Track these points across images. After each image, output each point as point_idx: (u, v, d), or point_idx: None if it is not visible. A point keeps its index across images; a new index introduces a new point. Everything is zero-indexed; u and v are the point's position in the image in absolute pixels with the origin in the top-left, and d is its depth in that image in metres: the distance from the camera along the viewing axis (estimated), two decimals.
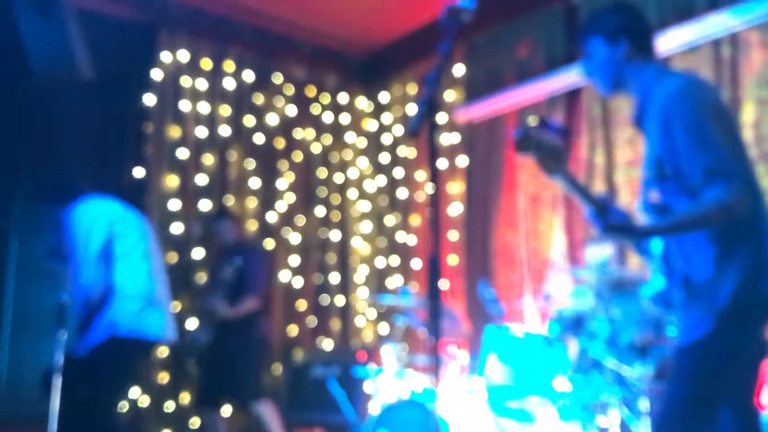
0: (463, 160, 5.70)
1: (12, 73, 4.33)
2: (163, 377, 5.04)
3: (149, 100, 5.29)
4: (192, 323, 5.16)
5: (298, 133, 6.02)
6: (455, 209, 5.66)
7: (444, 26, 2.08)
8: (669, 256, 2.31)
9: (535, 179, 5.02)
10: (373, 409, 4.17)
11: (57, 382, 3.27)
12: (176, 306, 5.19)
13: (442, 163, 5.78)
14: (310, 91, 6.13)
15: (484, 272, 5.32)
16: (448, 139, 5.79)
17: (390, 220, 6.15)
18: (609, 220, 2.18)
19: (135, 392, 4.95)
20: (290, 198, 5.89)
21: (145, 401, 4.97)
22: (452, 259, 5.63)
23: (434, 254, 1.95)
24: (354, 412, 4.29)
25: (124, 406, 4.92)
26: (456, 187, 5.71)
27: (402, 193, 6.08)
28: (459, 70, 5.72)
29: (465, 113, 5.72)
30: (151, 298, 3.61)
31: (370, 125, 6.40)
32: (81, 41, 4.43)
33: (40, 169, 4.94)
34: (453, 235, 5.62)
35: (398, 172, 6.13)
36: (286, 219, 5.85)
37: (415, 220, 5.98)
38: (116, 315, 3.48)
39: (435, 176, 1.98)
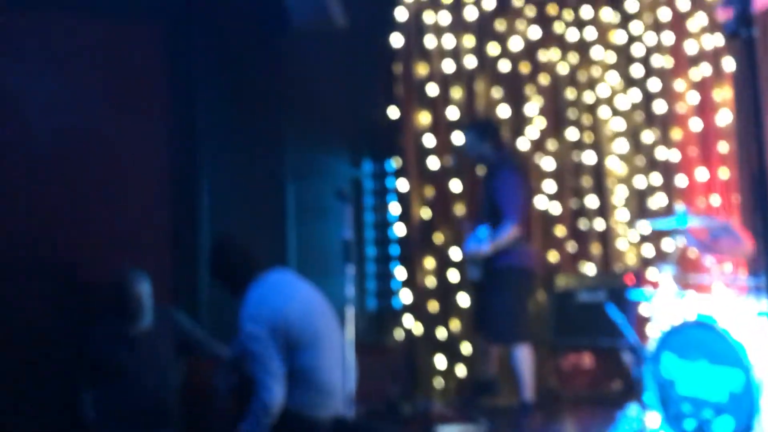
0: (729, 63, 5.20)
1: (273, 28, 4.66)
2: (434, 306, 5.27)
3: (396, 40, 5.41)
4: (454, 253, 5.31)
5: (543, 55, 5.83)
6: (723, 118, 5.21)
7: None
8: None
9: None
10: (653, 332, 4.04)
11: None
12: (439, 238, 5.36)
13: (705, 69, 5.34)
14: (552, 9, 5.87)
15: None
16: (710, 41, 5.30)
17: (648, 136, 5.80)
18: None
19: (409, 321, 5.23)
20: (540, 123, 5.76)
21: (418, 329, 5.24)
22: (723, 173, 5.21)
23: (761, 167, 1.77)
24: (634, 336, 4.18)
25: (400, 335, 5.23)
26: (723, 94, 5.24)
27: (659, 106, 5.69)
28: None
29: (728, 11, 5.18)
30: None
31: (618, 37, 6.02)
32: None
33: (304, 115, 5.27)
34: (723, 147, 5.20)
35: (653, 84, 5.74)
36: (538, 144, 5.74)
37: (677, 133, 5.59)
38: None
39: (754, 75, 1.81)
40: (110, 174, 4.74)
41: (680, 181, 5.54)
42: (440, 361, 5.22)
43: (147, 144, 4.85)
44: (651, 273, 5.33)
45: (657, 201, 5.68)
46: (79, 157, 4.66)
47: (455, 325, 5.31)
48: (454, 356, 5.24)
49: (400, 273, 5.34)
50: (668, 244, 5.34)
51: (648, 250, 5.68)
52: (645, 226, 5.19)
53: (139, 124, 4.84)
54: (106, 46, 4.81)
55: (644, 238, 5.74)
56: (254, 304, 3.49)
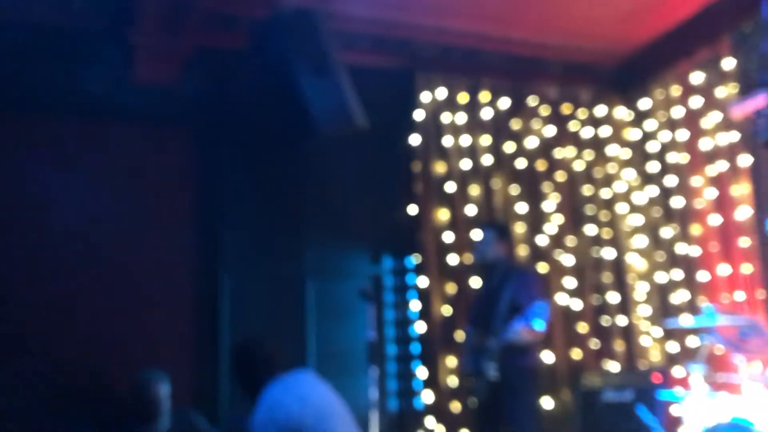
0: (745, 159, 5.25)
1: (300, 133, 4.77)
2: (456, 407, 5.15)
3: (414, 140, 5.52)
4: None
5: (559, 153, 5.93)
6: (743, 213, 5.21)
7: None
8: None
9: None
10: None
11: None
12: (461, 335, 5.29)
13: (721, 165, 5.38)
14: (567, 108, 6.02)
15: None
16: (725, 138, 5.37)
17: (667, 231, 5.79)
18: None
19: (431, 422, 5.11)
20: (558, 219, 5.80)
21: (440, 431, 5.11)
22: (746, 268, 5.17)
23: None
24: None
25: None
26: (741, 189, 5.26)
27: (677, 201, 5.71)
28: (728, 63, 5.33)
29: (742, 108, 5.26)
30: None
31: (633, 134, 6.13)
32: (353, 95, 4.77)
33: (325, 214, 5.33)
34: (744, 242, 5.18)
35: (670, 180, 5.78)
36: (556, 241, 5.76)
37: (696, 229, 5.58)
38: None
39: None
40: (133, 272, 4.77)
41: (702, 276, 5.50)
42: None
43: (170, 243, 4.91)
44: (677, 370, 5.23)
45: (679, 296, 5.62)
46: (102, 257, 4.71)
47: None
48: None
49: (421, 372, 5.25)
50: (693, 341, 5.25)
51: (672, 347, 5.58)
52: (671, 324, 5.10)
53: (163, 224, 4.92)
54: (134, 146, 4.94)
55: (668, 335, 5.65)
56: (267, 406, 3.38)
